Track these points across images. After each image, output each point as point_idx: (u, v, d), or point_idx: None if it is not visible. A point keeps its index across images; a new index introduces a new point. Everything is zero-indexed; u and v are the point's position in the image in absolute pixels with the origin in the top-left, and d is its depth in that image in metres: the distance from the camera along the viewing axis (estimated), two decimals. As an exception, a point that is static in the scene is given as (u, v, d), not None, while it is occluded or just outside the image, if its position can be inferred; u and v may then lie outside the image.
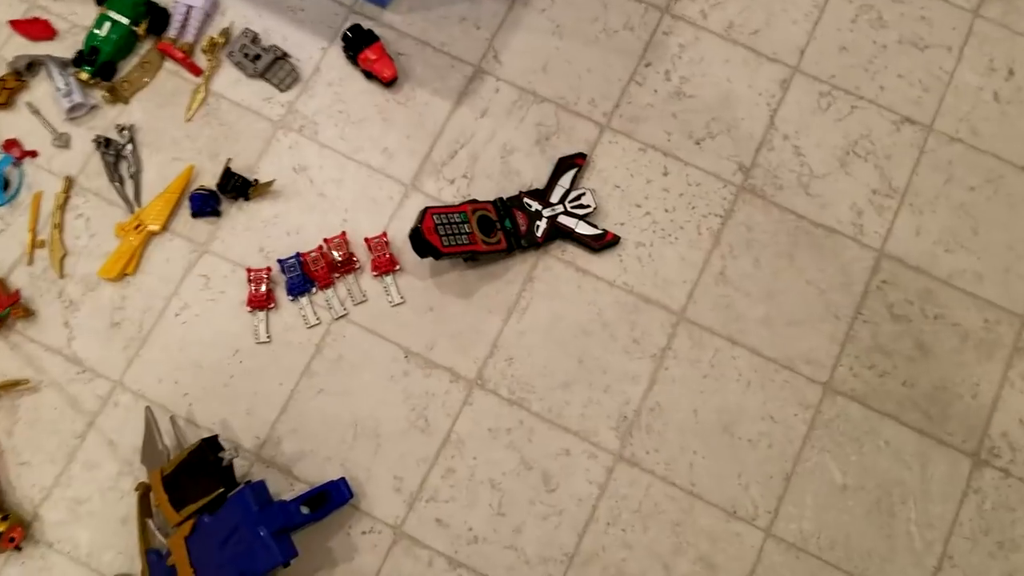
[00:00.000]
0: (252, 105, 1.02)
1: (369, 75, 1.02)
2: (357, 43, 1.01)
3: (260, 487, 0.82)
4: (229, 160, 0.98)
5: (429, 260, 0.96)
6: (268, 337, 0.94)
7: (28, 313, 0.95)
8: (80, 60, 1.00)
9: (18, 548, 0.87)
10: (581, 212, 0.98)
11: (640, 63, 1.05)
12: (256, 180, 0.98)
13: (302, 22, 1.05)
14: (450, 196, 1.00)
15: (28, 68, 1.01)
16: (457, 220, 0.92)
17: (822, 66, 1.06)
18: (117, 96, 1.01)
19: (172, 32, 1.03)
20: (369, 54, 1.00)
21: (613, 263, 0.98)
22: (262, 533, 0.79)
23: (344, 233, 0.97)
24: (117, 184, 0.99)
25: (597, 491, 0.91)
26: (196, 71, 1.03)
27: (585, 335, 0.96)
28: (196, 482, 0.82)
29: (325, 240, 0.97)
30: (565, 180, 0.99)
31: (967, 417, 0.94)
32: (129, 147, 1.00)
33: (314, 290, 0.96)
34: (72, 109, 1.00)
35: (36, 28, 1.03)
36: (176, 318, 0.96)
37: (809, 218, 1.01)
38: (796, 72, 1.06)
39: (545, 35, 1.06)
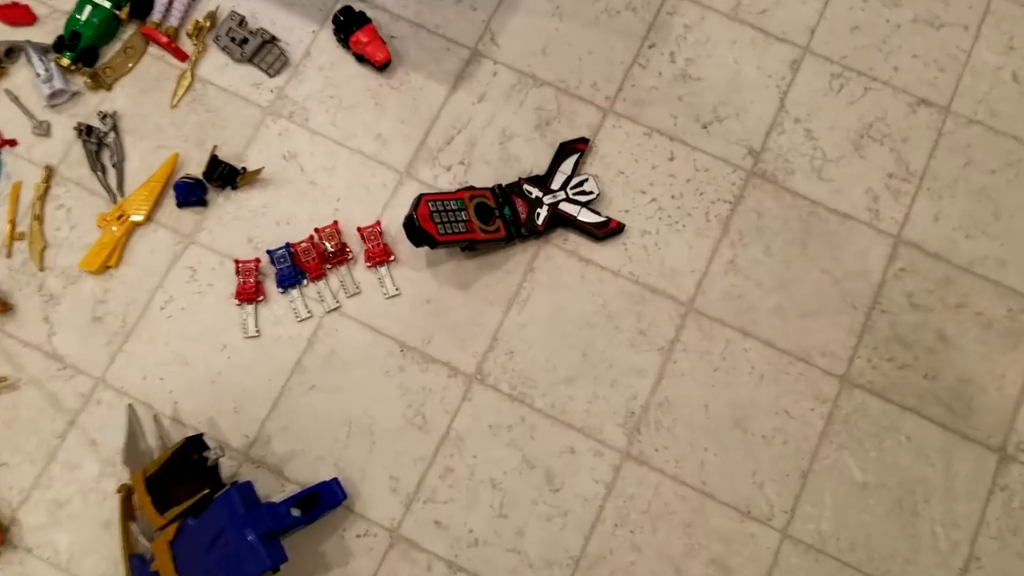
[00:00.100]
0: (240, 91, 0.99)
1: (361, 59, 0.98)
2: (348, 25, 0.97)
3: (247, 488, 0.79)
4: (215, 147, 0.94)
5: (425, 250, 0.92)
6: (257, 331, 0.91)
7: (7, 308, 0.91)
8: (60, 45, 0.97)
9: (-6, 554, 0.83)
10: (584, 199, 0.94)
11: (643, 45, 1.01)
12: (244, 168, 0.94)
13: (291, 4, 1.02)
14: (446, 183, 0.96)
15: (7, 54, 0.98)
16: (454, 207, 0.88)
17: (833, 46, 1.02)
18: (99, 82, 0.98)
19: (156, 16, 1.00)
20: (361, 36, 0.96)
21: (618, 252, 0.94)
22: (250, 537, 0.75)
23: (336, 223, 0.93)
24: (99, 173, 0.95)
25: (604, 491, 0.87)
26: (181, 56, 0.99)
27: (589, 327, 0.92)
28: (180, 483, 0.79)
29: (316, 230, 0.93)
30: (567, 166, 0.95)
31: (992, 410, 0.90)
32: (112, 135, 0.96)
33: (305, 282, 0.92)
34: (52, 96, 0.96)
35: (15, 13, 1.00)
36: (161, 312, 0.92)
37: (823, 204, 0.97)
38: (807, 53, 1.02)
39: (544, 16, 1.02)
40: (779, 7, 1.03)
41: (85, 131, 0.95)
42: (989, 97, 1.00)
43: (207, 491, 0.78)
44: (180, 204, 0.94)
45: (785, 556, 0.86)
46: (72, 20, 0.97)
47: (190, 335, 0.91)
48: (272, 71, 0.99)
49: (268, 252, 0.92)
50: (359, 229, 0.93)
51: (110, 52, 0.99)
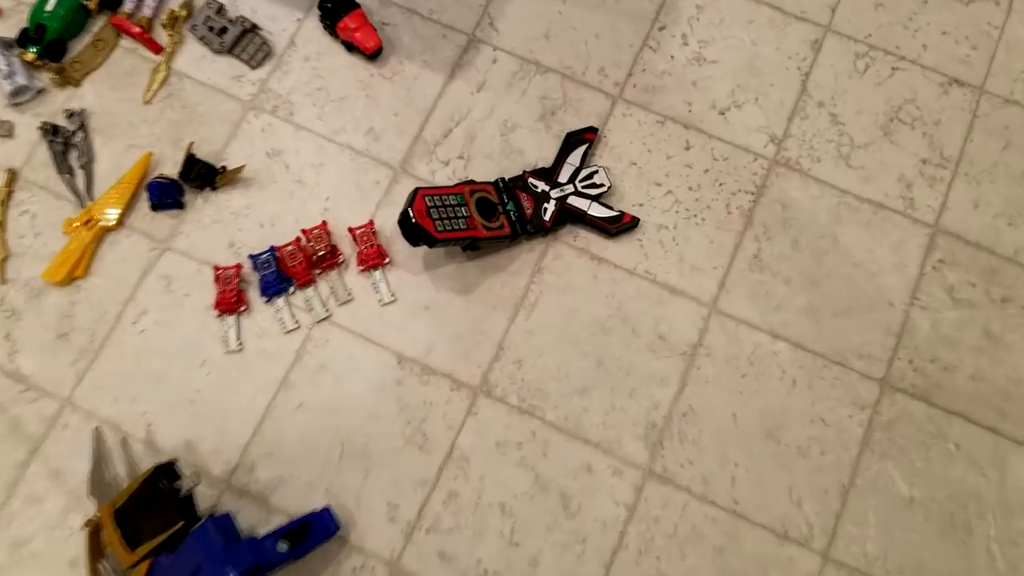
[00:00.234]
0: (219, 84, 0.92)
1: (351, 47, 0.92)
2: (336, 11, 0.90)
3: (225, 520, 0.71)
4: (191, 144, 0.87)
5: (422, 251, 0.85)
6: (239, 345, 0.83)
7: (-37, 325, 0.83)
8: (25, 39, 0.90)
9: (-54, 600, 0.75)
10: (594, 192, 0.87)
11: (653, 26, 0.95)
12: (224, 167, 0.87)
13: (274, -8, 0.95)
14: (444, 179, 0.89)
15: (-34, 50, 0.90)
16: (453, 203, 0.80)
17: (856, 24, 0.95)
18: (67, 78, 0.91)
19: (128, 5, 0.93)
20: (348, 23, 0.90)
21: (632, 249, 0.87)
22: (230, 575, 0.66)
23: (325, 223, 0.86)
24: (66, 176, 0.88)
25: (625, 514, 0.79)
26: (155, 48, 0.92)
27: (604, 332, 0.84)
28: (152, 516, 0.71)
29: (303, 231, 0.85)
30: (575, 158, 0.88)
31: (1049, 414, 0.82)
32: (80, 134, 0.89)
33: (292, 289, 0.84)
34: (15, 93, 0.89)
35: (-25, 6, 0.93)
36: (133, 326, 0.84)
37: (852, 192, 0.89)
38: (828, 32, 0.95)
39: (546, -1, 0.95)
40: (797, -15, 0.97)
41: (51, 131, 0.88)
42: (1025, 76, 0.94)
43: (181, 524, 0.69)
44: (154, 207, 0.87)
45: (829, 581, 0.78)
46: (37, 11, 0.90)
47: (165, 351, 0.83)
48: (254, 62, 0.92)
49: (250, 257, 0.84)
50: (350, 230, 0.86)
51: (78, 45, 0.92)
